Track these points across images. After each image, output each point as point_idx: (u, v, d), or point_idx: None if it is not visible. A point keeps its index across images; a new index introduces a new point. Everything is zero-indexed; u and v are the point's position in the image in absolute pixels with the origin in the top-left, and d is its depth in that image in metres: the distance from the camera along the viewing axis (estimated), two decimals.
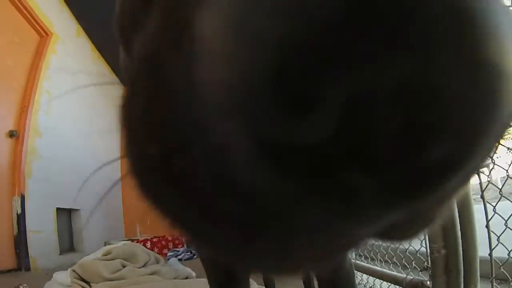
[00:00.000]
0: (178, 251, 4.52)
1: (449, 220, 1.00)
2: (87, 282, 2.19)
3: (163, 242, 5.04)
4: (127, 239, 5.47)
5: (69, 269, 2.32)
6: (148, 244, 4.82)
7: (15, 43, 3.71)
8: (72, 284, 2.16)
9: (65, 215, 4.48)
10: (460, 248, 1.00)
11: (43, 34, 4.11)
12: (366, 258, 1.84)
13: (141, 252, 2.59)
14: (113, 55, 5.74)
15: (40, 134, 3.87)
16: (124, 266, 2.32)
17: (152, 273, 2.30)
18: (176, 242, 5.02)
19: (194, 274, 2.56)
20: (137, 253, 2.53)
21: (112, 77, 6.16)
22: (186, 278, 2.42)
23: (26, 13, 3.75)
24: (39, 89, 3.92)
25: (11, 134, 3.49)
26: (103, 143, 5.30)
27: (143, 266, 2.45)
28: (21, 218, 3.36)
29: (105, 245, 4.56)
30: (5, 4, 3.46)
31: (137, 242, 4.65)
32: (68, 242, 4.42)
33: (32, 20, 3.87)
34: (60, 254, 3.90)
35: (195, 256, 3.98)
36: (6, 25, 3.51)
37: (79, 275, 2.22)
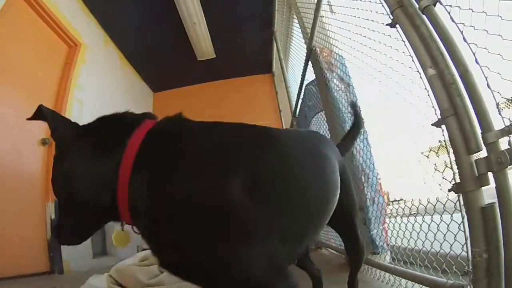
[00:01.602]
0: None
1: (491, 224, 0.99)
2: (123, 287, 2.20)
3: None
4: None
5: (106, 274, 2.31)
6: None
7: (45, 54, 3.82)
8: None
9: None
10: (502, 252, 0.97)
11: (72, 45, 4.25)
12: (405, 263, 1.79)
13: None
14: (140, 62, 5.92)
15: None
16: (161, 272, 2.30)
17: None
18: None
19: None
20: None
21: (140, 83, 6.42)
22: None
23: (54, 25, 3.86)
24: (70, 97, 4.03)
25: (44, 142, 3.58)
26: None
27: None
28: (54, 223, 3.33)
29: (137, 249, 4.70)
30: (33, 18, 3.57)
31: None
32: (101, 246, 4.46)
33: (61, 32, 3.98)
34: (93, 257, 3.95)
35: None
36: (35, 38, 3.62)
37: (115, 280, 2.21)
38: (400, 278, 1.70)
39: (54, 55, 4.02)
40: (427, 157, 1.42)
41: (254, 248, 0.76)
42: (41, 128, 3.58)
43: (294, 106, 4.39)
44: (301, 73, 3.51)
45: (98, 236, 4.42)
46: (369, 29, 1.63)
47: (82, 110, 4.29)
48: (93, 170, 0.94)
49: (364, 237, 2.14)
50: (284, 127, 5.91)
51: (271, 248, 0.79)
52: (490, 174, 0.99)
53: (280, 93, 6.33)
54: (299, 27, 3.47)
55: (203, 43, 5.39)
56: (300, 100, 3.97)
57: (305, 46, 3.22)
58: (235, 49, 5.76)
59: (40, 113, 1.08)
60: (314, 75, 3.05)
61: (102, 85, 4.99)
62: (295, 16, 3.79)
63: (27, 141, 3.46)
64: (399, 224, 1.88)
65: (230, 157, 0.89)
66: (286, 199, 0.92)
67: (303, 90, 3.72)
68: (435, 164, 1.32)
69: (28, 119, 1.11)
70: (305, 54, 3.10)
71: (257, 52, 5.94)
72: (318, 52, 2.77)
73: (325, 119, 2.90)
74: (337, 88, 2.54)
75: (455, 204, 1.19)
